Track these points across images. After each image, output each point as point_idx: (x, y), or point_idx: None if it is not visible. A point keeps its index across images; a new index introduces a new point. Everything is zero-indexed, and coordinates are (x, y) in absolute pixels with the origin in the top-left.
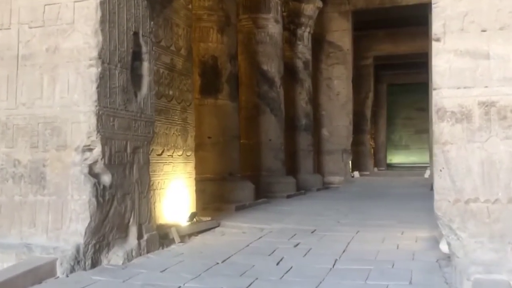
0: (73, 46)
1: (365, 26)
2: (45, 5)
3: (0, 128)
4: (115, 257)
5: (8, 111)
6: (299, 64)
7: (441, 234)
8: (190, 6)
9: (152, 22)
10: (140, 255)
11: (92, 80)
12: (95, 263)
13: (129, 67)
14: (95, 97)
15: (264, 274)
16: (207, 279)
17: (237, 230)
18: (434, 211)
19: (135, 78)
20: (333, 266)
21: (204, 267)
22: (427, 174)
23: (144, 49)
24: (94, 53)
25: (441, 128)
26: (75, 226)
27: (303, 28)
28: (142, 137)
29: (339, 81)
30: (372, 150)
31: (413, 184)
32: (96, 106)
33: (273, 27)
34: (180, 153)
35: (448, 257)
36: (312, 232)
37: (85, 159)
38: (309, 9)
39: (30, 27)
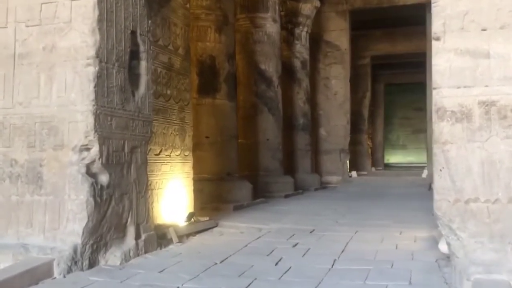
0: (70, 45)
1: (363, 25)
2: (42, 3)
3: None
4: (112, 257)
5: (4, 111)
6: (297, 63)
7: (440, 234)
8: (188, 5)
9: (149, 21)
10: (138, 255)
11: (90, 79)
12: (92, 264)
13: (126, 66)
14: (92, 96)
15: (263, 275)
16: (206, 280)
17: (235, 230)
18: (434, 211)
19: (133, 77)
20: (332, 266)
21: (203, 268)
22: (424, 174)
23: (141, 48)
24: (92, 52)
25: (441, 128)
26: (73, 226)
27: (300, 27)
28: (140, 136)
29: (336, 81)
30: (370, 149)
31: (411, 184)
32: (94, 105)
33: (271, 26)
34: (178, 152)
35: (447, 257)
36: (310, 232)
37: (83, 159)
38: (307, 9)
39: (27, 26)
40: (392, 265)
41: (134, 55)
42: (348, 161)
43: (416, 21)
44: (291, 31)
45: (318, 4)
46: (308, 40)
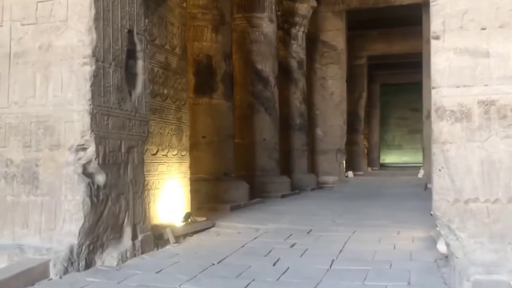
0: (67, 43)
1: (359, 25)
2: (38, 2)
3: None
4: (109, 258)
5: (0, 110)
6: (293, 63)
7: (439, 234)
8: (184, 5)
9: (146, 20)
10: (135, 256)
11: (86, 79)
12: (89, 264)
13: (123, 65)
14: (89, 95)
15: (260, 275)
16: (203, 280)
17: (232, 230)
18: (433, 211)
19: (130, 76)
20: (330, 267)
21: (200, 268)
22: (420, 174)
23: (138, 47)
24: (88, 51)
25: (440, 127)
26: (69, 226)
27: (297, 27)
28: (137, 136)
29: (333, 81)
30: (366, 150)
31: (407, 184)
32: (90, 105)
33: (267, 26)
34: (175, 152)
35: (446, 257)
36: (308, 232)
37: (79, 159)
38: (303, 9)
39: (23, 24)
40: (390, 266)
41: (131, 54)
42: (344, 161)
43: (412, 21)
44: (288, 31)
45: (314, 4)
46: (304, 40)
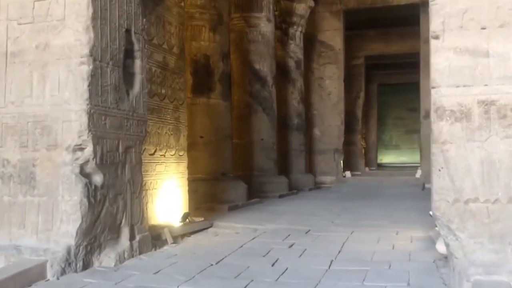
0: (64, 43)
1: (357, 25)
2: (35, 1)
3: None
4: (107, 258)
5: None
6: (291, 63)
7: (437, 234)
8: (182, 4)
9: (144, 20)
10: (133, 256)
11: (84, 78)
12: (86, 265)
13: (121, 65)
14: (86, 95)
15: (259, 276)
16: (202, 281)
17: (230, 231)
18: (433, 211)
19: (127, 76)
20: (329, 267)
21: (198, 269)
22: (418, 174)
23: (136, 46)
24: (86, 50)
25: (440, 127)
26: (66, 227)
27: (295, 27)
28: (134, 136)
29: (330, 81)
30: (363, 150)
31: (404, 183)
32: (88, 104)
33: (265, 26)
34: (173, 152)
35: (445, 258)
36: (306, 233)
37: (76, 159)
38: (301, 8)
39: (19, 24)
40: (389, 266)
41: (129, 53)
42: (342, 161)
43: (410, 21)
44: (285, 31)
45: (312, 3)
46: (302, 40)
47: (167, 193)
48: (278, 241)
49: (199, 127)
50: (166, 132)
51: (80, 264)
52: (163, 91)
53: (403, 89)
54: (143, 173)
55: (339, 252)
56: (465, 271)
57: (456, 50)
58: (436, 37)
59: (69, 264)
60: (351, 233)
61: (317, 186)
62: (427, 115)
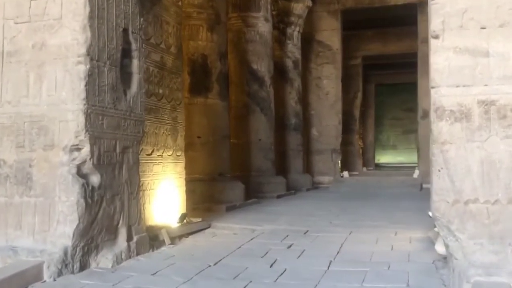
0: (61, 42)
1: (354, 25)
2: (31, 0)
3: None
4: (104, 260)
5: None
6: (289, 63)
7: (436, 235)
8: (180, 3)
9: (142, 19)
10: (130, 257)
11: (81, 78)
12: (83, 266)
13: (118, 64)
14: (83, 95)
15: (258, 277)
16: (200, 282)
17: (228, 231)
18: (432, 212)
19: (125, 76)
20: (328, 268)
21: (196, 270)
22: (416, 174)
23: (133, 46)
24: (83, 50)
25: (439, 127)
26: (63, 228)
27: (292, 27)
28: (132, 136)
29: (328, 81)
30: (361, 150)
31: (402, 184)
32: (85, 104)
33: (263, 25)
34: (170, 153)
35: (444, 258)
36: (304, 233)
37: (73, 159)
38: (299, 8)
39: (16, 23)
40: (388, 267)
41: (126, 53)
42: (339, 161)
43: (407, 21)
44: (283, 30)
45: (309, 3)
46: (300, 39)
47: (165, 194)
48: (276, 241)
49: (197, 127)
50: (163, 132)
51: (77, 265)
52: (160, 91)
53: (400, 89)
54: (140, 174)
55: (338, 253)
56: (465, 272)
57: (456, 50)
58: (436, 37)
59: (66, 265)
60: (350, 234)
61: (315, 186)
62: (425, 115)
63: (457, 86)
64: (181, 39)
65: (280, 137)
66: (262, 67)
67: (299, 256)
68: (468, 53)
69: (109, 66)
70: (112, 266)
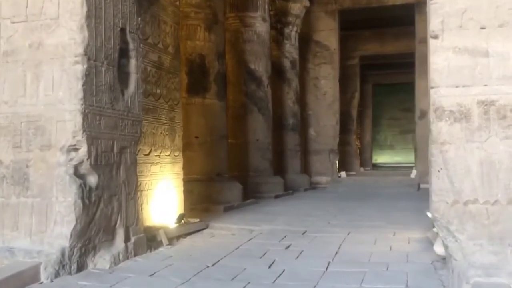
0: (58, 42)
1: (352, 25)
2: None
3: None
4: (101, 260)
5: None
6: (286, 63)
7: (435, 235)
8: (177, 3)
9: (139, 19)
10: (128, 258)
11: (78, 78)
12: (81, 267)
13: (116, 64)
14: (80, 95)
15: (256, 278)
16: (198, 283)
17: (226, 232)
18: (431, 212)
19: (122, 76)
20: (326, 269)
21: (194, 271)
22: (413, 174)
23: (131, 46)
24: (80, 50)
25: (439, 128)
26: (60, 229)
27: (290, 27)
28: (129, 136)
29: (326, 81)
30: (358, 150)
31: (399, 184)
32: (82, 104)
33: (260, 25)
34: (168, 153)
35: (443, 259)
36: (302, 234)
37: (71, 160)
38: (296, 8)
39: (13, 22)
40: (387, 268)
41: (124, 53)
42: (337, 162)
43: (405, 21)
44: (281, 30)
45: (307, 3)
46: (297, 40)
47: (162, 194)
48: (274, 242)
49: (194, 127)
50: (161, 133)
51: (74, 266)
52: (158, 91)
53: (397, 89)
54: (138, 174)
55: (336, 253)
56: (465, 273)
57: (455, 50)
58: (435, 37)
59: (63, 266)
60: (348, 234)
61: (313, 186)
62: (422, 115)
63: (457, 86)
64: (179, 39)
65: (278, 137)
66: (260, 67)
67: (297, 257)
68: (468, 53)
69: (107, 66)
70: (109, 267)
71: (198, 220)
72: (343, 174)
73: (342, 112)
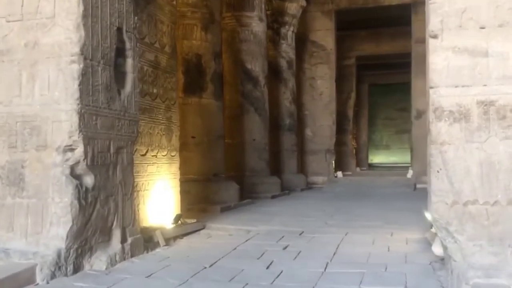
0: (54, 41)
1: (348, 26)
2: None
3: None
4: (98, 262)
5: None
6: (283, 63)
7: (433, 236)
8: (174, 2)
9: (136, 18)
10: (124, 259)
11: (74, 77)
12: (77, 269)
13: (112, 63)
14: (77, 94)
15: (254, 279)
16: (195, 285)
17: (223, 232)
18: (431, 213)
19: (119, 75)
20: (324, 270)
21: (191, 272)
22: (409, 174)
23: (128, 45)
24: (76, 49)
25: (438, 128)
26: (56, 230)
27: (286, 27)
28: (126, 136)
29: (322, 81)
30: (354, 150)
31: (395, 184)
32: (78, 104)
33: (257, 25)
34: (165, 153)
35: (442, 260)
36: (300, 234)
37: (67, 160)
38: (293, 8)
39: (8, 21)
40: (386, 268)
41: (120, 52)
42: (333, 162)
43: (401, 21)
44: (277, 30)
45: (304, 3)
46: (294, 39)
47: (159, 194)
48: (272, 243)
49: (191, 127)
50: (158, 132)
51: (70, 267)
52: (154, 90)
53: (393, 89)
54: (134, 174)
55: (334, 254)
56: (464, 274)
57: (454, 50)
58: (435, 37)
59: (59, 267)
60: (346, 235)
61: (309, 186)
62: (419, 115)
63: (456, 87)
64: (175, 38)
65: (274, 137)
66: (256, 67)
67: (295, 258)
68: (467, 53)
69: (103, 65)
70: (106, 268)
71: (195, 220)
72: (339, 174)
73: (338, 112)
